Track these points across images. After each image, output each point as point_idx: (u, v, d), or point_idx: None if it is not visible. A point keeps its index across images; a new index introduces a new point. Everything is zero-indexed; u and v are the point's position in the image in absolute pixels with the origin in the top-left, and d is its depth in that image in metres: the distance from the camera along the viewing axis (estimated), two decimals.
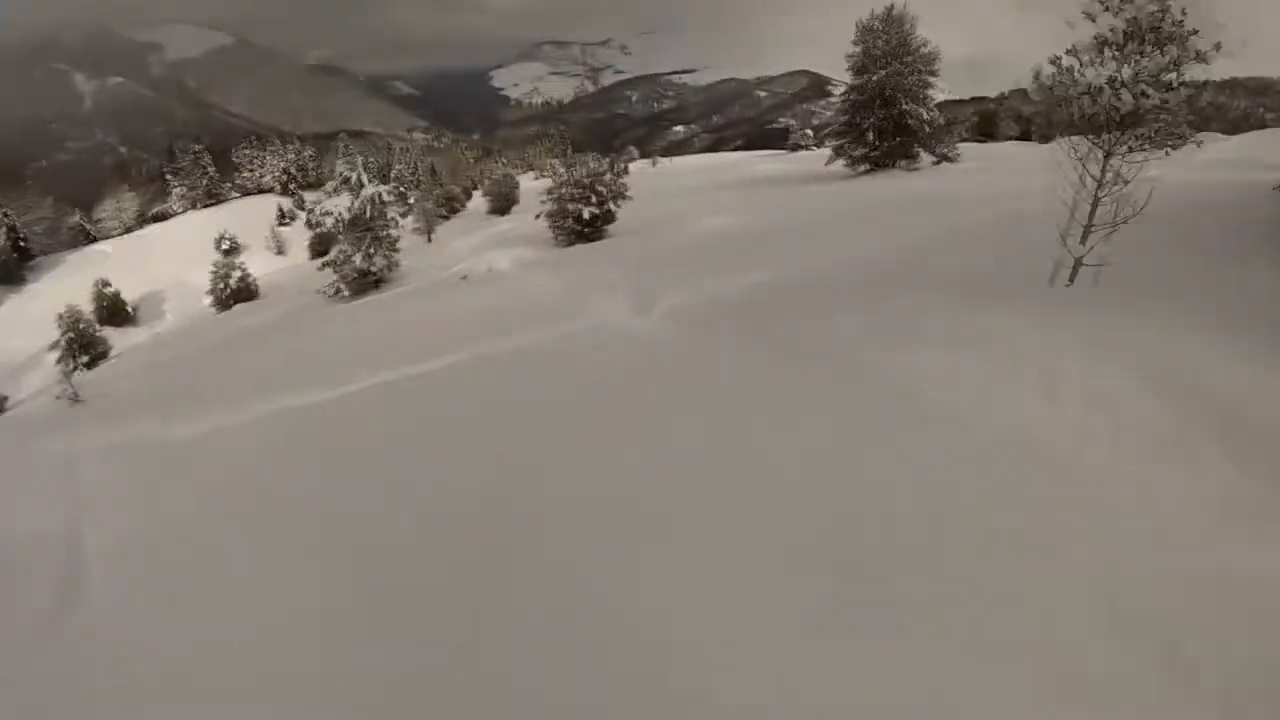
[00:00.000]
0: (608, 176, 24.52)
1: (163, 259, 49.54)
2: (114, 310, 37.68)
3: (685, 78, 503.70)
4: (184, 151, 74.52)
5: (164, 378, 18.11)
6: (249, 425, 10.51)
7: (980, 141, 48.93)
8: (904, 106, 28.60)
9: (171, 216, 68.92)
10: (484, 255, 22.84)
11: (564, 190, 23.44)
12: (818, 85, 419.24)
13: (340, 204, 23.64)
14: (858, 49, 30.07)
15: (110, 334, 36.50)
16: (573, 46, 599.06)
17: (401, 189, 65.84)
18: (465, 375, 10.25)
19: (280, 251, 51.79)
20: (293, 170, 75.98)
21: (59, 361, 28.65)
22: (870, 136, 29.29)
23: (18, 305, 42.83)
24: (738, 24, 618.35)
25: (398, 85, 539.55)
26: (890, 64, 28.74)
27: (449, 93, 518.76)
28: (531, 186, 65.10)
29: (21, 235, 49.45)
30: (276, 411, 10.75)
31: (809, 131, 64.19)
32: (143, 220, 67.70)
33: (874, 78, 29.02)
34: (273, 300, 31.42)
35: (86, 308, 35.88)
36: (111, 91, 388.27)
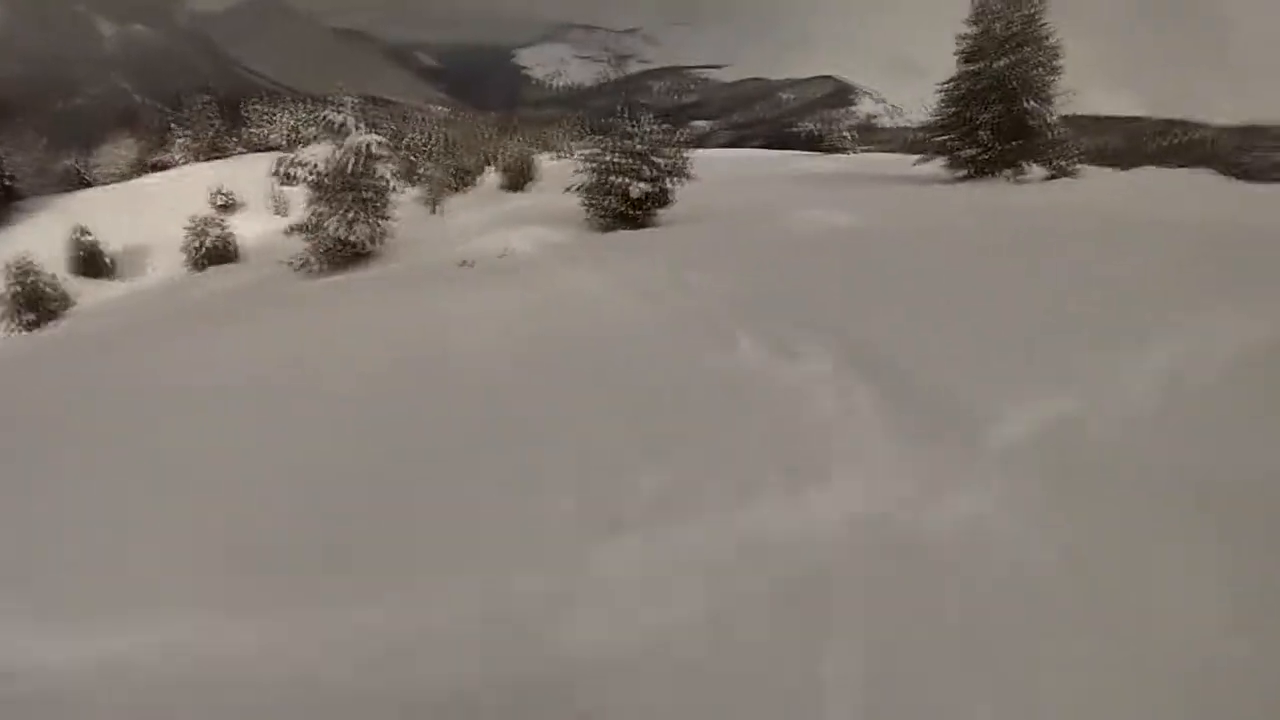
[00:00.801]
0: (669, 150, 20.24)
1: (156, 211, 46.66)
2: (90, 261, 35.03)
3: (710, 73, 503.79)
4: (191, 101, 71.98)
5: None
6: None
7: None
8: (1027, 104, 24.00)
9: (172, 167, 66.37)
10: (496, 233, 18.36)
11: (609, 159, 19.09)
12: (842, 93, 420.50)
13: (320, 154, 18.68)
14: (973, 30, 25.45)
15: (86, 287, 34.27)
16: (600, 32, 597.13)
17: (411, 157, 63.39)
18: None
19: (280, 211, 48.74)
20: (301, 129, 73.30)
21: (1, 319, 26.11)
22: (984, 135, 24.41)
23: None
24: (765, 24, 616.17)
25: (420, 57, 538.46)
26: (1015, 50, 24.16)
27: (471, 68, 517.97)
28: (549, 166, 63.17)
29: (9, 174, 46.73)
30: None
31: (847, 134, 61.42)
32: (141, 169, 65.01)
33: (995, 64, 24.27)
34: (255, 265, 28.53)
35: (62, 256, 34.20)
36: (132, 38, 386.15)
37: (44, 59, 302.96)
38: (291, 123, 74.02)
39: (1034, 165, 24.79)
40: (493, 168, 49.76)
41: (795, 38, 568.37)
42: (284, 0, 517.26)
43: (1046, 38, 24.63)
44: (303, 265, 18.63)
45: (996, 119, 24.18)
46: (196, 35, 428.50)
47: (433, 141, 76.87)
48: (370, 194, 18.89)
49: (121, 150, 60.72)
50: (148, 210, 45.93)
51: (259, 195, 49.35)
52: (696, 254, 12.20)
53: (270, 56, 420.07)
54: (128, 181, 58.90)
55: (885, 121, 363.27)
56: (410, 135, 75.42)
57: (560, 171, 56.92)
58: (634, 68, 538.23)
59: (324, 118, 19.21)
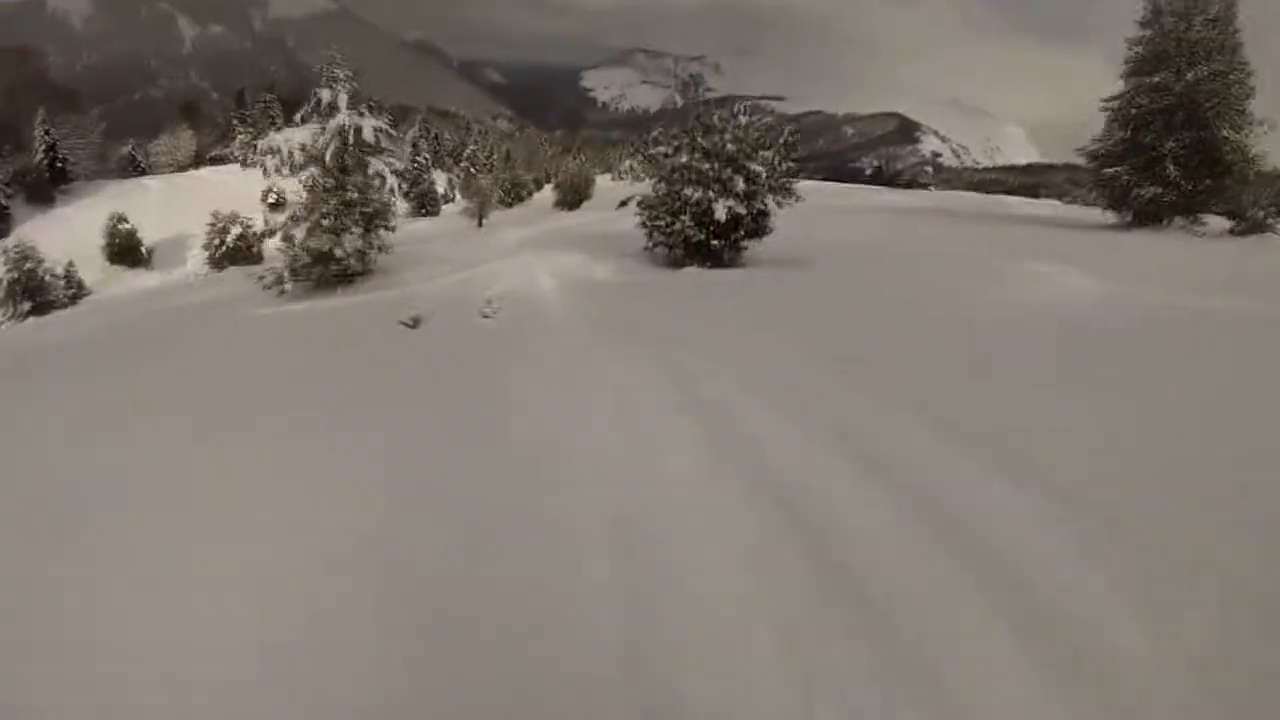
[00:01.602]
0: (771, 155, 13.62)
1: (205, 203, 45.50)
2: (125, 249, 33.69)
3: (774, 104, 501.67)
4: (255, 99, 71.86)
5: None
6: None
7: None
8: (1222, 132, 18.44)
9: (231, 162, 65.94)
10: (524, 259, 13.54)
11: (683, 161, 13.26)
12: (906, 129, 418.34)
13: (298, 139, 14.13)
14: (1146, 33, 19.89)
15: (118, 275, 33.11)
16: (666, 58, 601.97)
17: (471, 169, 61.93)
18: None
19: None
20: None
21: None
22: (1171, 170, 18.61)
23: (37, 227, 39.09)
24: (829, 59, 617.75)
25: (488, 73, 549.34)
26: (1205, 60, 18.65)
27: (537, 87, 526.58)
28: (607, 187, 61.17)
29: (61, 156, 46.15)
30: None
31: (929, 169, 58.72)
32: (199, 162, 64.64)
33: (1184, 77, 18.73)
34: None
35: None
36: (211, 38, 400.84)
37: (125, 52, 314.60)
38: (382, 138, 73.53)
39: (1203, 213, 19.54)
40: (550, 184, 47.74)
41: (859, 74, 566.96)
42: (359, 12, 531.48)
43: (1238, 48, 19.26)
44: (275, 283, 13.58)
45: (1183, 149, 18.71)
46: (272, 39, 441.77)
47: (491, 154, 75.87)
48: (359, 195, 14.02)
49: (179, 141, 60.17)
50: (196, 203, 44.60)
51: None
52: (847, 335, 6.98)
53: (343, 65, 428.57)
54: (184, 173, 58.79)
55: (949, 160, 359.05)
56: (471, 147, 74.54)
57: (620, 194, 55.00)
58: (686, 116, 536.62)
59: (313, 94, 14.16)
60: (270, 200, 48.26)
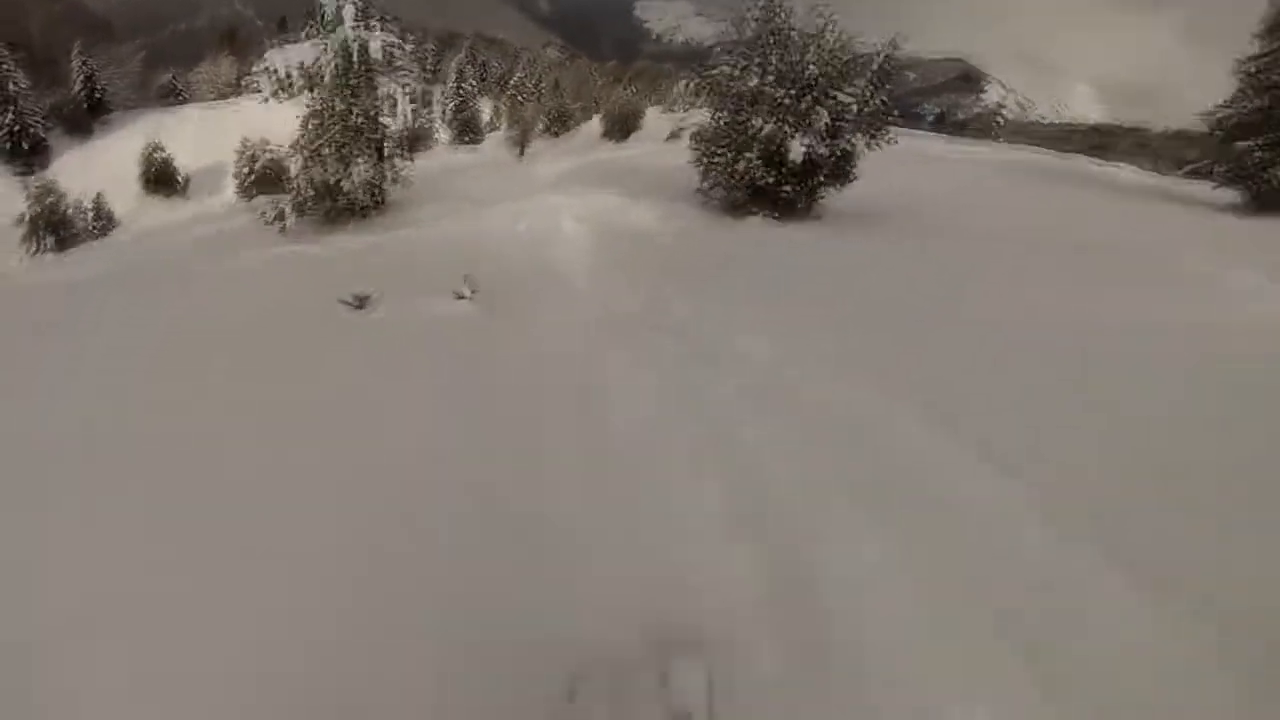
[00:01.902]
0: (863, 85, 10.94)
1: (245, 131, 44.49)
2: (161, 178, 32.75)
3: None
4: (296, 24, 69.93)
5: None
6: None
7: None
8: None
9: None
10: (562, 197, 11.75)
11: (753, 86, 10.84)
12: (970, 78, 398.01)
13: (297, 57, 13.05)
14: None
15: (155, 205, 32.27)
16: None
17: (519, 97, 59.56)
18: None
19: None
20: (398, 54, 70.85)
21: (23, 241, 23.37)
22: None
23: (74, 158, 38.54)
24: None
25: (539, 1, 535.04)
26: None
27: (589, 17, 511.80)
28: (658, 119, 58.50)
29: (100, 87, 45.25)
30: None
31: (999, 119, 54.47)
32: (240, 89, 63.40)
33: None
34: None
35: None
36: None
37: None
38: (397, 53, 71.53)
39: None
40: (598, 115, 45.56)
41: (924, 15, 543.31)
42: None
43: None
44: (276, 218, 12.22)
45: None
46: None
47: (540, 82, 73.15)
48: (366, 121, 12.21)
49: (220, 69, 58.69)
50: (236, 130, 43.63)
51: None
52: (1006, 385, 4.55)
53: None
54: (226, 100, 57.67)
55: (1013, 112, 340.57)
56: (518, 75, 71.87)
57: (669, 127, 52.66)
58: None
59: (317, 6, 12.30)
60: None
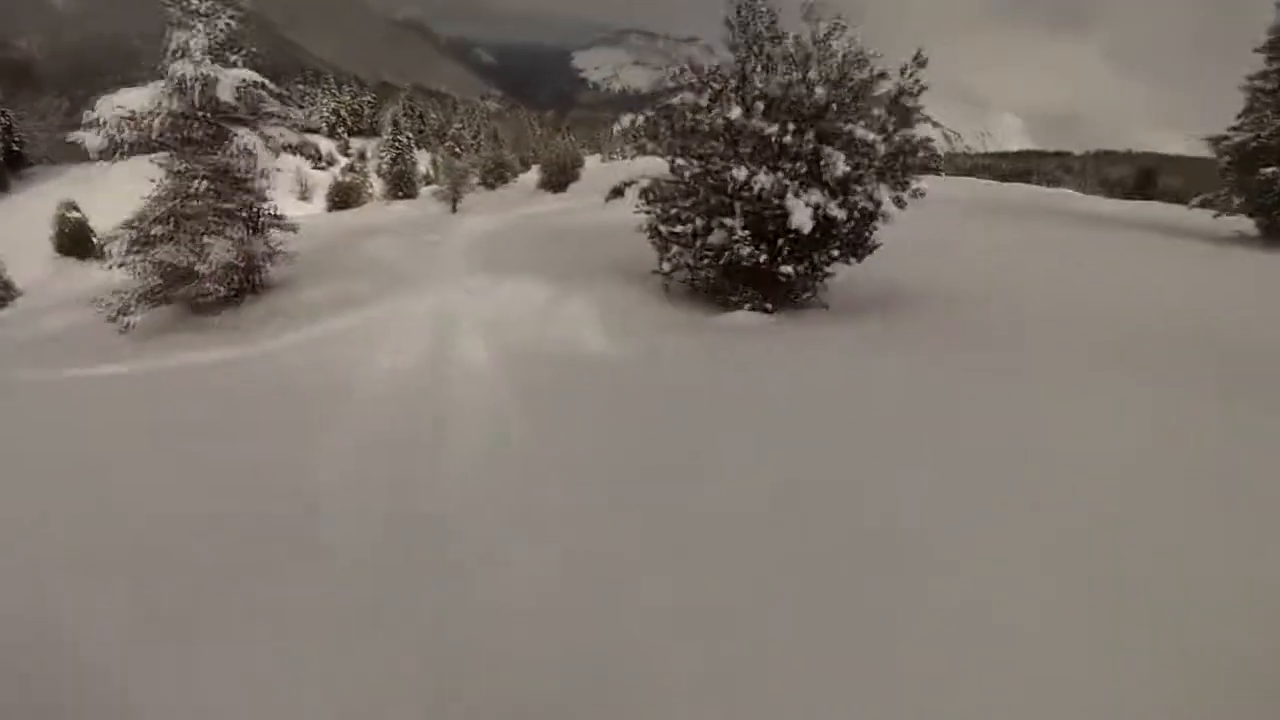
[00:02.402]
0: (883, 114, 8.29)
1: None
2: (75, 240, 30.96)
3: None
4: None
5: None
6: None
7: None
8: None
9: None
10: (476, 281, 9.78)
11: (735, 116, 7.60)
12: (899, 114, 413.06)
13: (137, 100, 9.55)
14: None
15: (71, 270, 30.49)
16: (659, 39, 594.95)
17: (456, 149, 59.06)
18: None
19: (304, 198, 44.70)
20: (344, 113, 69.61)
21: None
22: None
23: None
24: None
25: (479, 52, 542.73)
26: None
27: (528, 67, 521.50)
28: (597, 169, 58.37)
29: (18, 138, 43.27)
30: None
31: (939, 154, 55.29)
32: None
33: None
34: None
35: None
36: None
37: (107, 32, 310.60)
38: (333, 105, 70.65)
39: None
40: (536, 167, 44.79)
41: None
42: None
43: None
44: (119, 313, 9.55)
45: None
46: (257, 16, 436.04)
47: (478, 133, 72.94)
48: (212, 185, 9.68)
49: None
50: None
51: (287, 179, 45.37)
52: None
53: (328, 42, 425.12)
54: (153, 154, 55.66)
55: (940, 145, 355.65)
56: (455, 126, 71.60)
57: (609, 176, 52.36)
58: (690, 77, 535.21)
59: (165, 38, 9.97)
60: None
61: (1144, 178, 43.17)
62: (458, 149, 60.96)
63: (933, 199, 9.08)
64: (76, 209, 31.29)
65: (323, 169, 54.65)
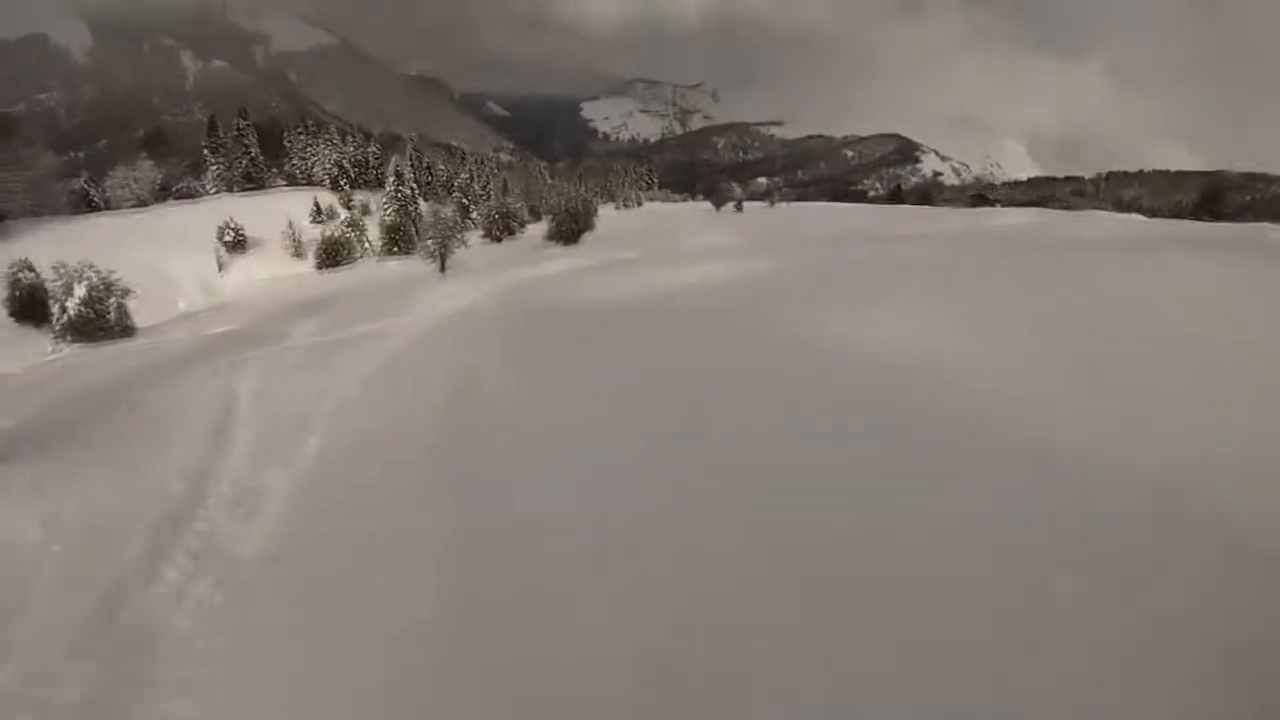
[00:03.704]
0: None
1: (156, 244, 39.76)
2: (29, 303, 27.77)
3: (773, 129, 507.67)
4: (228, 127, 66.23)
5: None
6: None
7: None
8: None
9: (201, 196, 60.32)
10: None
11: None
12: (906, 150, 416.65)
13: None
14: None
15: (24, 340, 27.15)
16: (665, 87, 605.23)
17: (463, 199, 56.11)
18: None
19: (299, 254, 41.44)
20: (346, 164, 67.00)
21: None
22: None
23: None
24: (830, 81, 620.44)
25: (491, 106, 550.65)
26: None
27: (539, 119, 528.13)
28: (612, 217, 55.34)
29: None
30: None
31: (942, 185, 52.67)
32: (165, 195, 59.03)
33: None
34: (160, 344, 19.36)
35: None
36: (214, 73, 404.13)
37: (127, 87, 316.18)
38: (335, 157, 68.16)
39: None
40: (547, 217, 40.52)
41: (858, 95, 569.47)
42: (361, 46, 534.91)
43: None
44: None
45: None
46: (275, 73, 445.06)
47: (488, 184, 70.16)
48: None
49: (139, 173, 54.39)
50: (142, 244, 39.10)
51: (281, 234, 42.43)
52: None
53: (343, 98, 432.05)
54: (148, 208, 53.37)
55: (949, 179, 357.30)
56: (462, 176, 68.83)
57: (625, 224, 48.91)
58: (698, 123, 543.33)
59: None
60: (228, 239, 42.59)
61: (1212, 196, 40.30)
62: (465, 199, 58.09)
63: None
64: (31, 269, 28.10)
65: (321, 223, 51.84)
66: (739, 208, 58.75)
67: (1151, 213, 46.45)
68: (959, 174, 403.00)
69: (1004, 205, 55.87)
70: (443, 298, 14.48)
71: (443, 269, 26.95)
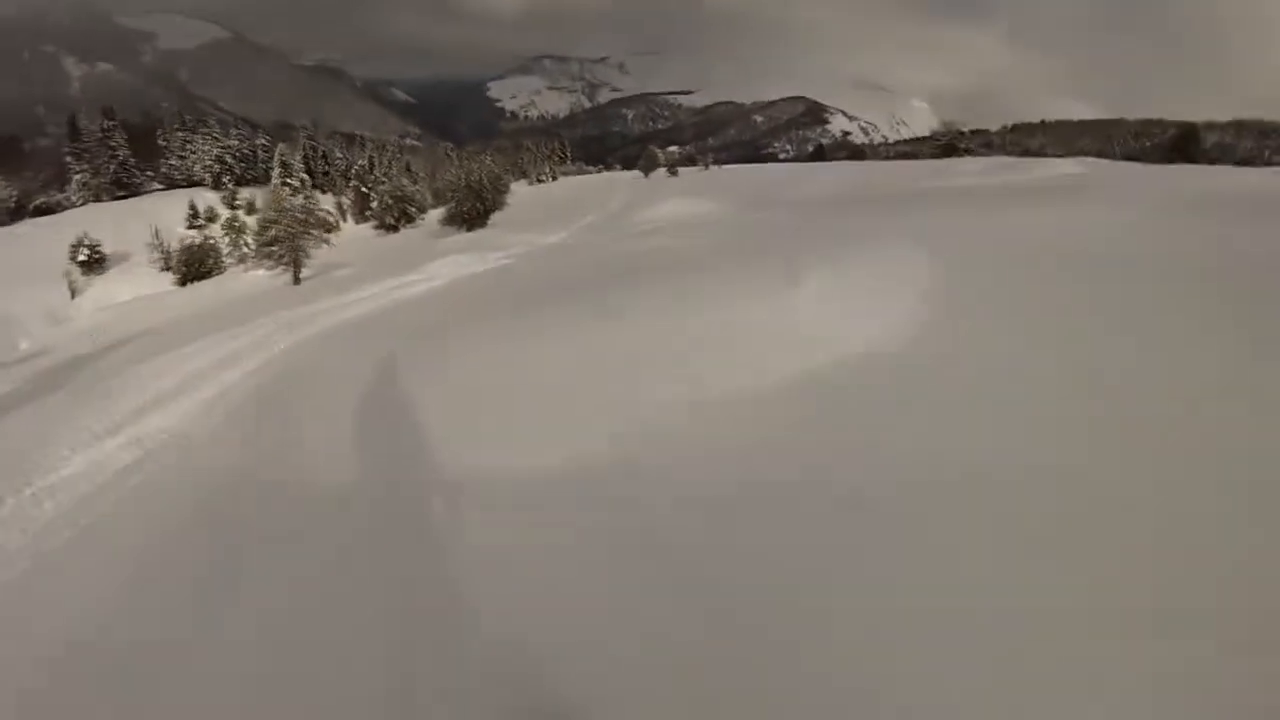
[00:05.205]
0: None
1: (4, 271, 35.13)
2: None
3: (681, 99, 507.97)
4: (92, 127, 59.32)
5: None
6: None
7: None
8: None
9: (65, 208, 54.10)
10: None
11: None
12: (814, 111, 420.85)
13: None
14: None
15: None
16: (571, 62, 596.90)
17: (362, 187, 51.42)
18: None
19: (169, 267, 36.42)
20: (230, 159, 60.89)
21: None
22: None
23: None
24: (736, 49, 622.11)
25: (394, 92, 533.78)
26: None
27: (445, 102, 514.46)
28: (526, 193, 51.30)
29: None
30: None
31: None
32: (20, 213, 52.66)
33: None
34: None
35: None
36: (100, 77, 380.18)
37: (8, 100, 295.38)
38: (216, 152, 61.73)
39: None
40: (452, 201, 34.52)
41: (766, 62, 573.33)
42: (254, 37, 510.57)
43: None
44: None
45: None
46: (164, 73, 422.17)
47: (389, 168, 64.75)
48: None
49: None
50: None
51: (140, 246, 37.34)
52: None
53: (238, 93, 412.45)
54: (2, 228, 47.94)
55: (858, 138, 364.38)
56: (359, 163, 63.47)
57: (541, 199, 44.86)
58: (605, 96, 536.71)
59: None
60: (82, 257, 37.38)
61: (1183, 139, 39.38)
62: (364, 188, 53.35)
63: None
64: None
65: (200, 226, 46.56)
66: (673, 172, 55.89)
67: (1101, 155, 45.61)
68: (867, 133, 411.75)
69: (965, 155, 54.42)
70: (211, 365, 9.65)
71: (296, 280, 22.51)
